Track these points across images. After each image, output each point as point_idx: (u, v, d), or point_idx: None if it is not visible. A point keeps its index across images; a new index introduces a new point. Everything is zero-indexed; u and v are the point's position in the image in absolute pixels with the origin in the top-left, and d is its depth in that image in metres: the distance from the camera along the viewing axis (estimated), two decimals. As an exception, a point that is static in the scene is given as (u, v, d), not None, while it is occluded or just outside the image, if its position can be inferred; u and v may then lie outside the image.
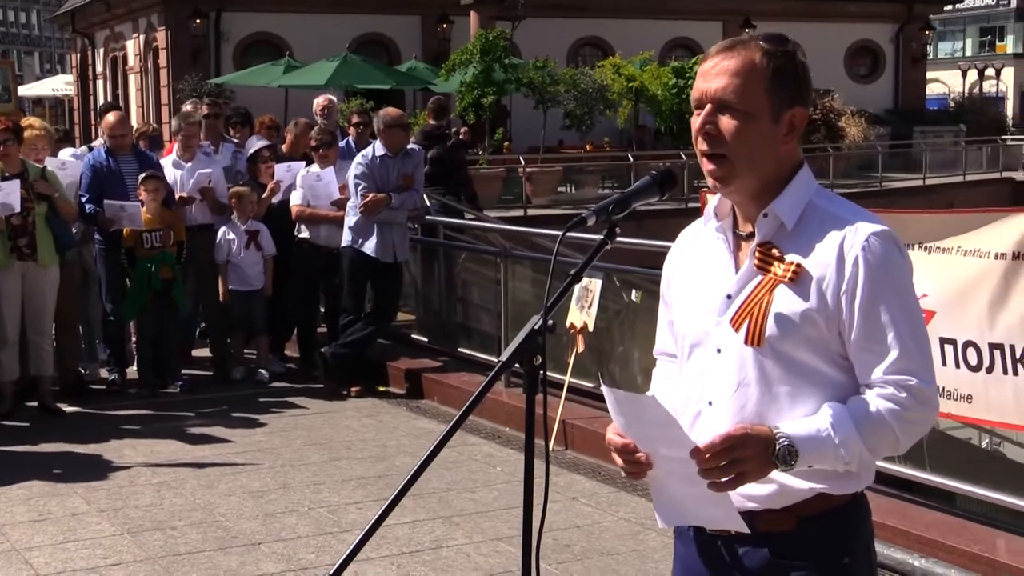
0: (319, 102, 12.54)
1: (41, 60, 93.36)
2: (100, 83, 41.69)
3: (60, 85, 46.07)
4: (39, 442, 8.42)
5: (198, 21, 32.78)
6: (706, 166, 2.66)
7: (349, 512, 6.89)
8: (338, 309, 10.13)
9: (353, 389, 9.73)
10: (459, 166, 13.33)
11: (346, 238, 9.79)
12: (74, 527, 6.65)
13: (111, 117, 9.83)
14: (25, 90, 50.90)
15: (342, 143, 11.65)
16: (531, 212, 23.84)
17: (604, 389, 2.62)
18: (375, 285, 9.92)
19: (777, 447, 2.53)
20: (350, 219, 9.75)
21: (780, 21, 40.05)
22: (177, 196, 10.02)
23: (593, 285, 8.10)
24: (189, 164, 10.19)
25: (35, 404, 9.26)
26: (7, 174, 8.87)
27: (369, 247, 9.69)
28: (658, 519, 2.83)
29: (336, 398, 9.61)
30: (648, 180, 2.76)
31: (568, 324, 8.21)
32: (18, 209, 8.69)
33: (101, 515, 6.85)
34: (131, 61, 37.78)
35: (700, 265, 2.81)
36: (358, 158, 9.80)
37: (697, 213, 3.10)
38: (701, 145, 2.65)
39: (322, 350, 9.91)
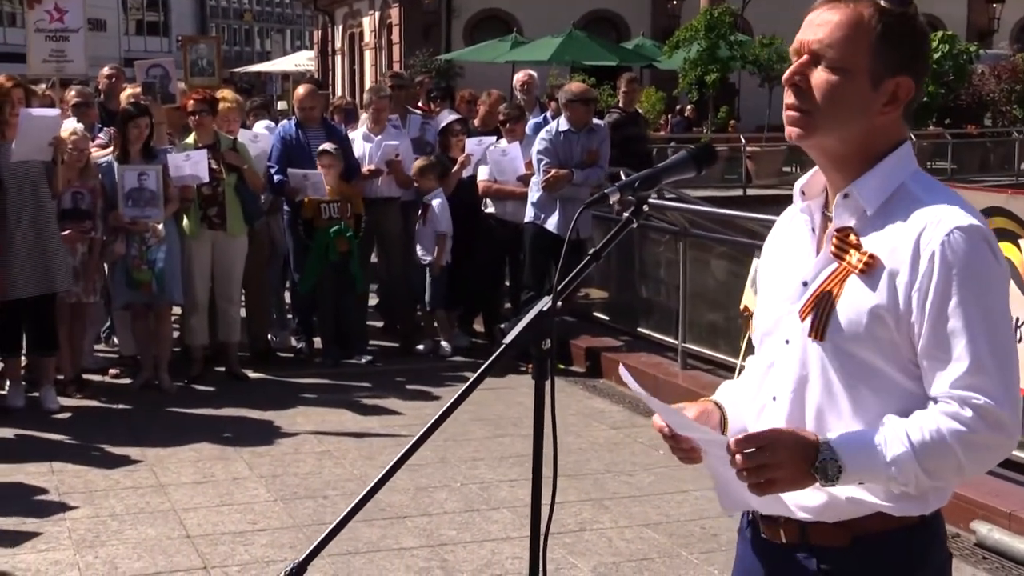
0: (519, 78, 12.54)
1: (292, 37, 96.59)
2: (338, 59, 42.89)
3: (302, 61, 47.45)
4: (221, 406, 8.66)
5: (430, -2, 33.35)
6: (787, 114, 2.42)
7: (501, 490, 6.83)
8: (521, 285, 10.09)
9: (531, 365, 9.64)
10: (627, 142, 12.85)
11: (528, 214, 9.74)
12: (232, 491, 6.80)
13: (301, 90, 10.01)
14: (271, 66, 52.85)
15: (539, 118, 11.59)
16: (751, 192, 23.32)
17: (633, 385, 2.45)
18: (557, 262, 9.79)
19: (819, 459, 2.29)
20: (533, 195, 9.69)
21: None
22: (365, 169, 10.13)
23: (768, 267, 7.80)
24: (378, 137, 10.27)
25: (223, 369, 9.53)
26: (200, 144, 9.13)
27: (551, 223, 9.62)
28: (720, 503, 2.66)
29: (514, 374, 9.55)
30: (684, 155, 2.56)
31: (742, 307, 7.94)
32: (206, 179, 8.94)
33: (260, 481, 6.98)
34: (367, 37, 38.72)
35: (786, 248, 2.58)
36: (542, 133, 9.73)
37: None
38: (788, 97, 2.41)
39: (501, 326, 9.88)
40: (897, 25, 2.37)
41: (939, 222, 2.31)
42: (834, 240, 2.42)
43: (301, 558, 2.51)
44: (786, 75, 2.41)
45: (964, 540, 5.94)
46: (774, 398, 2.50)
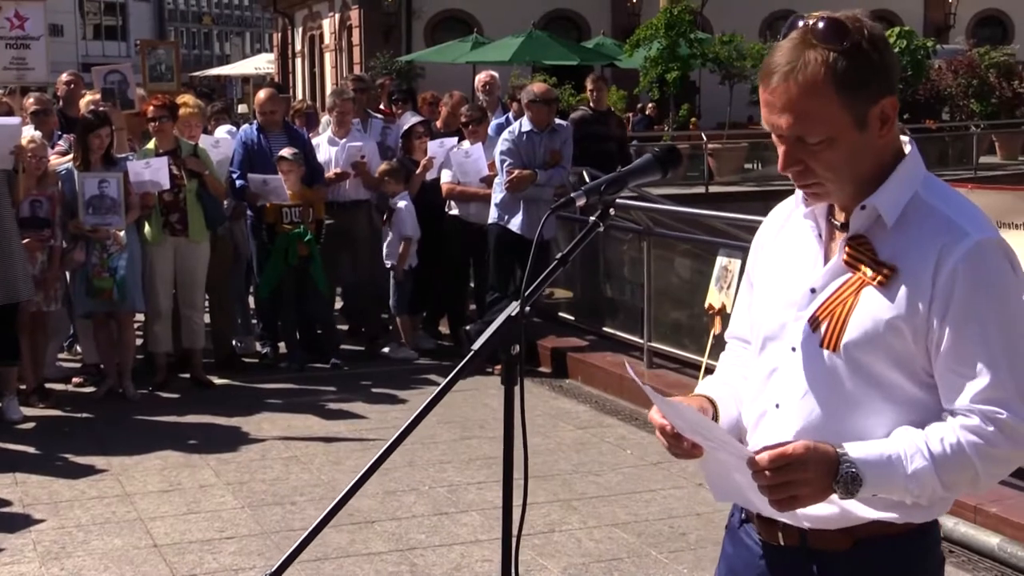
0: (481, 78, 12.51)
1: (251, 40, 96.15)
2: (298, 61, 42.70)
3: (262, 64, 47.23)
4: (186, 413, 8.61)
5: (390, -1, 33.24)
6: (798, 185, 2.41)
7: (469, 492, 6.82)
8: (486, 286, 10.08)
9: (498, 367, 9.63)
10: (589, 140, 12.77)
11: (492, 215, 9.74)
12: (199, 499, 6.75)
13: (262, 94, 9.98)
14: (230, 69, 52.68)
15: (501, 119, 11.58)
16: (713, 189, 23.34)
17: (648, 391, 2.39)
18: (521, 263, 9.83)
19: (840, 472, 2.26)
20: (496, 196, 9.69)
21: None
22: (331, 172, 10.09)
23: (732, 265, 7.83)
24: (343, 140, 10.24)
25: (187, 376, 9.46)
26: (161, 150, 9.07)
27: (515, 224, 9.62)
28: (712, 494, 2.59)
29: (480, 375, 9.54)
30: (649, 158, 2.55)
31: (707, 305, 7.97)
32: (167, 186, 8.89)
33: (227, 488, 6.94)
34: (327, 39, 38.58)
35: (788, 250, 2.53)
36: (504, 134, 9.74)
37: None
38: (793, 178, 2.39)
39: (466, 328, 9.87)
40: (851, 62, 2.28)
41: (960, 235, 2.29)
42: (848, 249, 2.39)
43: (273, 568, 2.49)
44: (780, 166, 2.39)
45: (931, 534, 5.97)
46: (777, 405, 2.47)
